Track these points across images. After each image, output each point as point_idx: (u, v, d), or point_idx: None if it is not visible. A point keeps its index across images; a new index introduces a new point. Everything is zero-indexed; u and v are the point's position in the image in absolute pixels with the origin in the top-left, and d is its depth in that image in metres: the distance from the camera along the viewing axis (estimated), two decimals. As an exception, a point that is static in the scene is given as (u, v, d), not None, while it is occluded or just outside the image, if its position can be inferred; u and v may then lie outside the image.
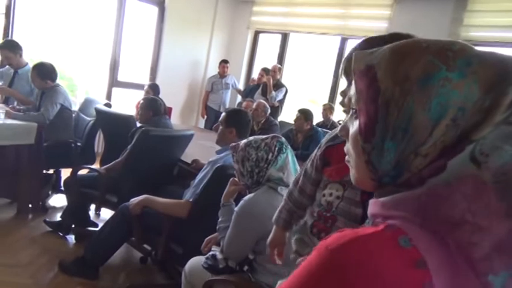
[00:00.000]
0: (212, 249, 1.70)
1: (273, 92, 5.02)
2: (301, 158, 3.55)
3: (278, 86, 5.15)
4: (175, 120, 5.29)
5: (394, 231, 0.47)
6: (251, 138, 1.62)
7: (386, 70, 0.50)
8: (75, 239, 2.90)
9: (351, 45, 5.18)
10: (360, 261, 0.44)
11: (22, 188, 3.15)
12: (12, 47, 3.65)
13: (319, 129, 3.98)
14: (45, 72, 3.29)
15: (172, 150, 2.85)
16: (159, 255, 2.10)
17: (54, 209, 3.37)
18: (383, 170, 0.51)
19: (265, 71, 5.36)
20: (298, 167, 1.61)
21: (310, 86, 6.61)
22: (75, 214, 2.91)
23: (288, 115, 5.54)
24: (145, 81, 5.59)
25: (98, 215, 3.26)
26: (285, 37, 5.97)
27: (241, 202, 1.52)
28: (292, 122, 4.12)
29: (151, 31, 5.63)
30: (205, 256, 1.63)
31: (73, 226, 2.94)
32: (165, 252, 2.07)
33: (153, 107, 2.99)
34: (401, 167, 0.49)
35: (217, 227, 1.69)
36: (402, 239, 0.45)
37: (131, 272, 2.61)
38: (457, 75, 0.47)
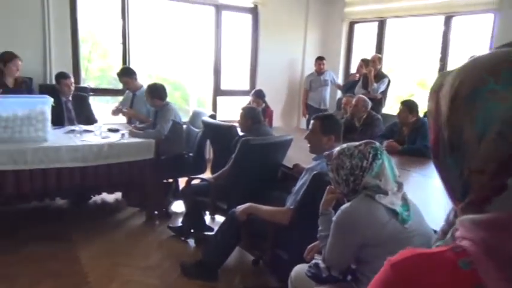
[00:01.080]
0: (315, 257, 1.72)
1: (375, 84, 4.81)
2: (408, 152, 3.36)
3: (379, 77, 4.91)
4: (277, 122, 5.41)
5: (458, 252, 0.47)
6: (344, 145, 1.60)
7: (446, 90, 0.51)
8: (195, 243, 3.17)
9: (456, 23, 4.73)
10: (415, 276, 0.46)
11: (148, 197, 3.56)
12: (129, 73, 4.14)
13: (426, 120, 3.69)
14: (155, 92, 3.66)
15: (273, 156, 2.93)
16: (267, 260, 2.19)
17: (176, 214, 3.72)
18: (453, 187, 0.52)
19: (364, 62, 5.17)
20: (396, 172, 1.54)
21: (416, 70, 6.18)
22: (193, 220, 3.19)
23: (392, 106, 5.27)
24: (246, 87, 5.83)
25: (213, 219, 3.51)
26: (382, 24, 5.67)
27: (339, 211, 1.51)
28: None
29: (247, 38, 5.84)
30: (309, 264, 1.65)
31: (192, 231, 3.22)
32: (272, 257, 2.15)
33: (252, 115, 3.11)
34: (464, 184, 0.50)
35: (317, 235, 1.70)
36: (463, 261, 0.46)
37: (245, 274, 2.76)
38: (502, 87, 0.45)
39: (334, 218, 1.54)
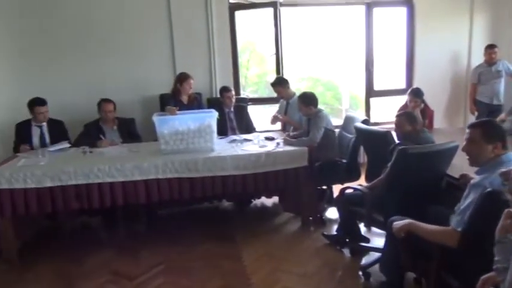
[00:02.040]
0: (491, 291, 1.50)
1: None
2: None
3: None
4: (439, 123, 4.92)
5: None
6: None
7: None
8: (351, 253, 3.12)
9: None
10: None
11: (303, 204, 3.66)
12: (281, 83, 4.34)
13: None
14: (307, 100, 3.74)
15: (435, 166, 2.67)
16: (431, 285, 2.01)
17: (331, 221, 3.73)
18: None
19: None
20: None
21: None
22: (347, 230, 3.14)
23: None
24: (402, 85, 5.46)
25: (369, 229, 3.39)
26: None
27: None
28: None
29: (402, 33, 5.46)
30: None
31: (347, 240, 3.17)
32: (439, 283, 1.96)
33: (409, 121, 2.89)
34: None
35: (493, 267, 1.48)
36: None
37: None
38: None
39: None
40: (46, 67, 4.66)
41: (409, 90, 4.44)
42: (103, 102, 3.99)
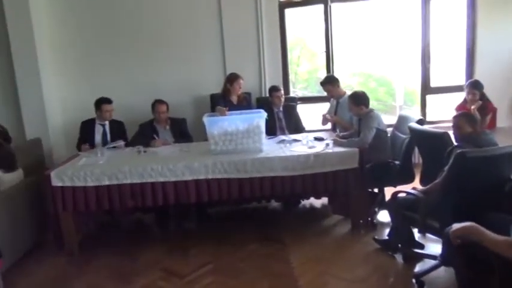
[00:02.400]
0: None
1: None
2: None
3: None
4: (502, 122, 4.56)
5: None
6: None
7: None
8: (403, 259, 2.99)
9: None
10: None
11: (353, 206, 3.56)
12: (331, 82, 4.23)
13: None
14: (358, 100, 3.64)
15: (497, 169, 2.48)
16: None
17: (382, 225, 3.60)
18: None
19: None
20: None
21: None
22: (400, 235, 3.01)
23: None
24: (461, 81, 5.15)
25: (423, 235, 3.23)
26: None
27: None
28: None
29: (461, 25, 5.13)
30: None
31: (400, 246, 3.05)
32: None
33: (468, 122, 2.71)
34: None
35: None
36: None
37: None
38: None
39: None
40: (105, 70, 4.95)
41: (467, 82, 4.18)
42: (157, 103, 4.15)
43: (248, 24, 4.93)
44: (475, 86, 4.07)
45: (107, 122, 4.18)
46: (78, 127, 4.25)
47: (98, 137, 4.17)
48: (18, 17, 4.49)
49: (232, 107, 4.14)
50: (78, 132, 4.24)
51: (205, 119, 3.59)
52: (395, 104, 8.56)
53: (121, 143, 4.05)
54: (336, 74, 4.76)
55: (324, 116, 4.21)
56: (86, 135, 4.17)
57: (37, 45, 4.56)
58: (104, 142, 4.12)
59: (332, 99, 4.35)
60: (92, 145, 4.07)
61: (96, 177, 3.30)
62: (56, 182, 3.27)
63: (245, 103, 4.42)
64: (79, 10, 4.84)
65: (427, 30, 5.07)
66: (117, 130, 4.24)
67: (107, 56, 4.92)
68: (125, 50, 4.92)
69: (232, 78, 4.33)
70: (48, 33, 4.76)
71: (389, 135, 3.79)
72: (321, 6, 5.03)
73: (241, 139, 3.58)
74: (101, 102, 4.10)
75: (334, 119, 4.21)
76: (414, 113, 4.34)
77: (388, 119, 4.39)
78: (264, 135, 3.67)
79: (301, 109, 4.90)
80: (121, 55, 4.93)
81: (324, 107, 4.66)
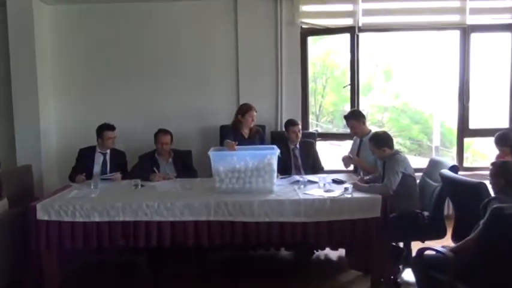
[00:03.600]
0: None
1: None
2: None
3: None
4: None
5: None
6: None
7: None
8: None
9: None
10: None
11: (373, 262, 3.46)
12: (356, 116, 4.23)
13: None
14: (380, 142, 3.62)
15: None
16: None
17: (408, 285, 3.47)
18: None
19: None
20: None
21: None
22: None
23: None
24: (504, 124, 5.08)
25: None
26: None
27: None
28: None
29: (505, 63, 5.11)
30: None
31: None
32: None
33: (505, 173, 2.65)
34: None
35: None
36: None
37: None
38: None
39: None
40: (107, 95, 5.11)
41: (495, 136, 4.13)
42: (160, 133, 4.20)
43: (266, 51, 5.04)
44: (498, 142, 4.02)
45: (108, 151, 4.26)
46: (73, 154, 4.31)
47: (96, 167, 4.23)
48: (20, 38, 4.74)
49: (243, 141, 4.17)
50: (72, 159, 4.30)
51: (211, 153, 3.61)
52: (432, 144, 8.47)
53: (118, 175, 4.10)
54: (364, 109, 4.77)
55: (345, 157, 4.17)
56: (83, 164, 4.22)
57: (38, 63, 4.78)
58: (103, 173, 4.18)
59: (355, 136, 4.33)
60: (89, 175, 4.10)
61: (85, 213, 3.31)
62: (41, 215, 3.29)
63: (257, 137, 4.44)
64: (84, 32, 5.08)
65: (467, 66, 5.07)
66: (118, 161, 4.30)
67: (110, 81, 5.10)
68: (130, 74, 5.11)
69: (244, 109, 4.37)
70: (50, 54, 5.00)
71: (418, 181, 3.72)
72: (347, 36, 5.10)
73: (250, 177, 3.58)
74: (103, 129, 4.19)
75: (357, 161, 4.17)
76: (448, 158, 4.27)
77: (421, 162, 4.30)
78: (275, 174, 3.66)
79: (321, 146, 4.89)
80: (126, 79, 5.10)
81: (348, 145, 4.64)
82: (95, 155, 4.25)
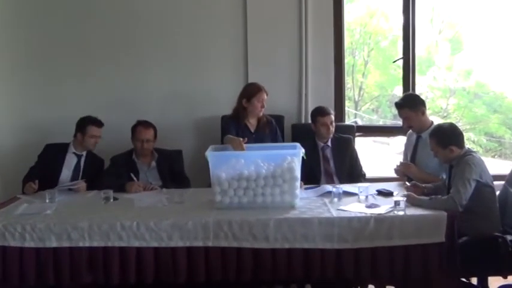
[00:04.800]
0: None
1: None
2: None
3: None
4: None
5: None
6: None
7: None
8: None
9: None
10: None
11: (435, 304, 3.46)
12: (412, 104, 4.20)
13: None
14: (445, 139, 3.60)
15: None
16: None
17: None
18: None
19: None
20: None
21: None
22: None
23: None
24: None
25: None
26: None
27: None
28: None
29: None
30: None
31: None
32: None
33: None
34: None
35: None
36: None
37: None
38: None
39: None
40: (70, 75, 5.11)
41: None
42: (140, 126, 4.25)
43: (285, 13, 5.02)
44: None
45: (84, 153, 4.33)
46: (24, 155, 4.38)
47: (66, 172, 4.30)
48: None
49: (247, 136, 4.11)
50: (22, 161, 4.35)
51: (209, 154, 3.61)
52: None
53: (82, 183, 4.13)
54: (422, 92, 4.74)
55: (399, 166, 4.15)
56: (46, 167, 4.24)
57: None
58: (74, 179, 4.21)
59: (410, 131, 4.31)
60: (53, 183, 4.11)
61: (38, 235, 3.32)
62: (-24, 238, 3.34)
63: (268, 131, 4.43)
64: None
65: None
66: (94, 169, 4.34)
67: (74, 57, 5.09)
68: (99, 47, 5.08)
69: (250, 91, 4.35)
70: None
71: (498, 193, 3.72)
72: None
73: (263, 188, 3.57)
74: (88, 122, 4.26)
75: (413, 171, 4.11)
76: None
77: (503, 166, 4.24)
78: (298, 183, 3.66)
79: (362, 144, 4.87)
80: (93, 55, 5.09)
81: (400, 143, 4.62)
82: (67, 155, 4.31)
